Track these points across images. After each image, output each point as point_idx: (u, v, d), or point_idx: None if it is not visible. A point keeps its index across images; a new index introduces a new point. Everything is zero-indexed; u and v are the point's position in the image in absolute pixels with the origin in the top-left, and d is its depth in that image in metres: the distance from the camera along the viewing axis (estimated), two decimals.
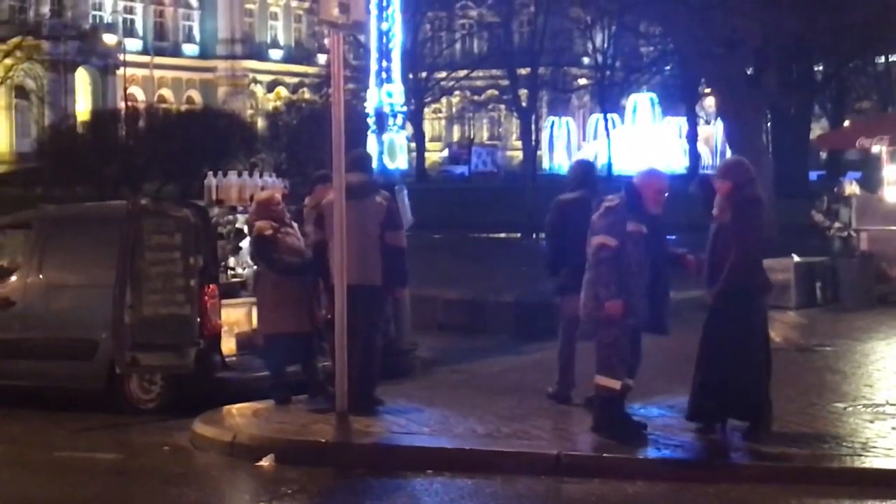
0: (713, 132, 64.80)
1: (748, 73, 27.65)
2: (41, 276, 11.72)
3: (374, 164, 12.08)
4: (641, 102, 68.85)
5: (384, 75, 12.26)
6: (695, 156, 60.98)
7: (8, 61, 60.41)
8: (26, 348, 11.63)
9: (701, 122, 65.86)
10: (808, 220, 19.63)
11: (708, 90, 52.17)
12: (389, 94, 12.29)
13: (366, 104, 12.65)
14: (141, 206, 11.13)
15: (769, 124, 39.35)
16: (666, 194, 8.93)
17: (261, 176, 12.70)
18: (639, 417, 9.21)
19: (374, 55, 12.38)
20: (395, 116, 12.45)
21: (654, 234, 8.90)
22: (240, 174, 12.52)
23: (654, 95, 68.85)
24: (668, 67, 61.66)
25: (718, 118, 49.88)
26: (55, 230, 11.94)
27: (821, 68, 46.21)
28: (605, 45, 65.88)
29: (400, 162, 12.67)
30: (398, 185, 12.03)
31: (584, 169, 11.00)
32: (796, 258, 17.49)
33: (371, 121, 12.38)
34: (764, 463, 8.35)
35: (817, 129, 53.85)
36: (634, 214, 8.82)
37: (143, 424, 10.68)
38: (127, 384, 11.13)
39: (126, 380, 11.09)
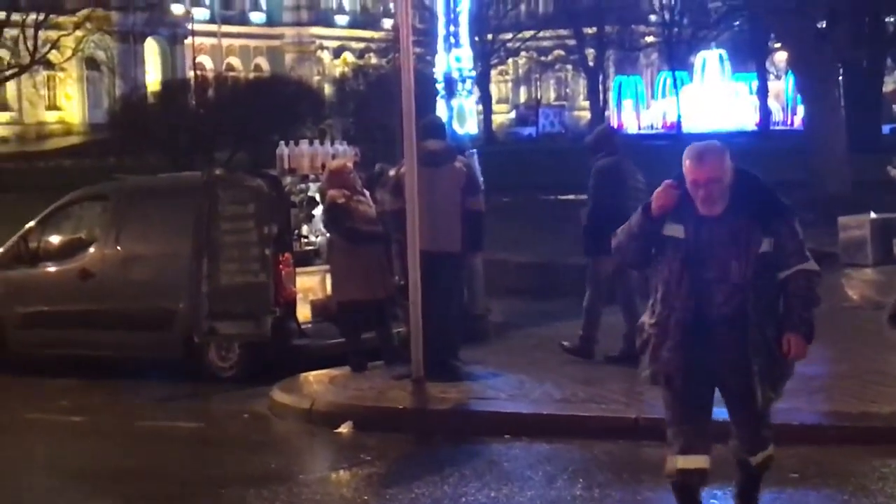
0: (783, 88, 64.00)
1: (819, 27, 27.24)
2: (119, 248, 11.87)
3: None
4: (710, 59, 68.01)
5: (452, 40, 12.20)
6: (765, 112, 60.30)
7: (78, 33, 60.94)
8: (105, 319, 11.81)
9: (771, 77, 65.05)
10: (882, 176, 19.35)
11: (778, 45, 51.54)
12: (458, 59, 12.24)
13: (434, 69, 12.57)
14: (215, 177, 11.24)
15: (841, 78, 38.79)
16: (711, 186, 5.67)
17: (332, 144, 12.76)
18: None
19: (441, 20, 12.31)
20: (464, 81, 12.38)
21: (704, 244, 5.73)
22: (311, 142, 12.59)
23: (723, 52, 68.02)
24: (736, 23, 60.90)
25: (789, 73, 49.26)
26: (131, 201, 12.09)
27: (892, 20, 45.42)
28: (673, 2, 65.19)
29: (470, 127, 12.61)
30: (468, 149, 12.01)
31: (607, 135, 11.30)
32: (872, 214, 17.27)
33: (440, 86, 12.31)
34: (844, 424, 8.29)
35: (890, 82, 53.02)
36: (679, 210, 5.77)
37: (222, 393, 10.81)
38: (205, 353, 11.27)
39: (204, 349, 11.23)
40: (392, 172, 10.63)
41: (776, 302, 5.80)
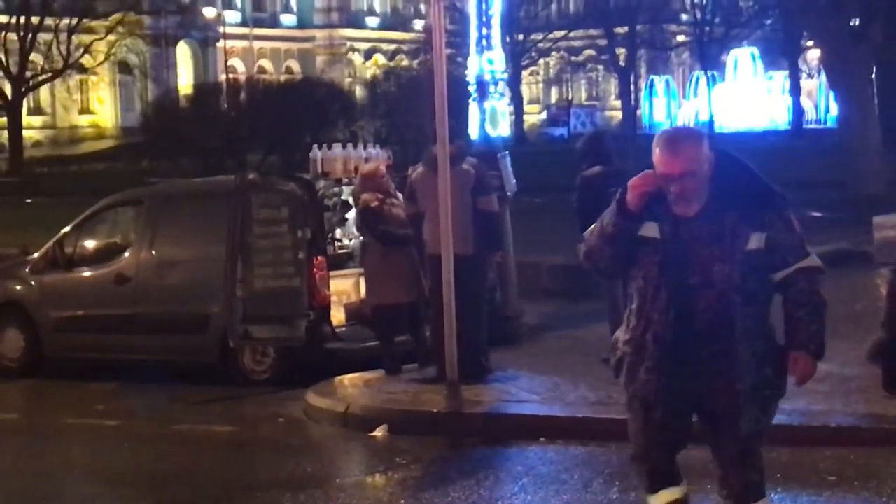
0: (816, 86, 63.74)
1: (853, 24, 27.11)
2: (153, 252, 11.93)
3: (476, 132, 12.08)
4: (742, 58, 67.83)
5: (484, 43, 12.18)
6: (798, 111, 60.07)
7: (111, 37, 61.41)
8: (140, 323, 11.87)
9: (803, 75, 64.81)
10: None
11: (810, 43, 51.33)
12: (490, 62, 12.21)
13: (466, 71, 12.56)
14: (249, 181, 11.27)
15: (874, 76, 38.54)
16: (687, 180, 4.80)
17: (365, 147, 12.79)
18: None
19: (473, 22, 12.29)
20: (496, 84, 12.35)
21: (684, 244, 4.87)
22: (344, 146, 12.62)
23: (755, 50, 67.81)
24: (769, 21, 60.73)
25: (821, 72, 49.02)
26: (166, 206, 12.14)
27: None
28: (704, 1, 65.02)
29: (502, 129, 12.58)
30: (500, 152, 12.00)
31: (596, 141, 11.09)
32: None
33: (472, 89, 12.29)
34: (881, 426, 8.23)
35: None
36: (652, 206, 4.91)
37: (257, 396, 10.85)
38: (240, 357, 11.30)
39: (239, 352, 11.26)
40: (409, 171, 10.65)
41: (768, 307, 4.94)
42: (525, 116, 71.05)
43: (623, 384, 5.06)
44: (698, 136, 4.87)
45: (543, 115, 79.84)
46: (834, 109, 40.33)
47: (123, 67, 69.56)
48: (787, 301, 4.91)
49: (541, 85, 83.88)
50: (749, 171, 4.90)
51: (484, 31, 12.22)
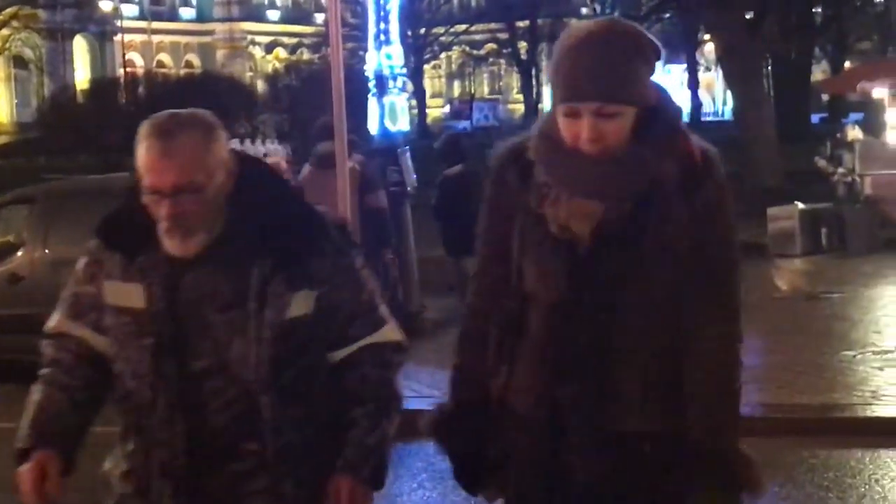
0: (714, 79, 64.71)
1: (748, 18, 27.56)
2: (47, 251, 11.75)
3: (376, 128, 12.12)
4: None
5: (382, 38, 12.20)
6: (696, 103, 60.93)
7: (5, 31, 60.32)
8: (36, 323, 11.62)
9: (701, 69, 65.75)
10: (811, 166, 19.65)
11: (707, 36, 52.05)
12: (389, 57, 12.24)
13: (365, 67, 12.59)
14: None
15: (769, 68, 39.21)
16: (184, 200, 3.01)
17: (263, 142, 12.74)
18: None
19: (371, 17, 12.32)
20: (395, 79, 12.39)
21: (188, 309, 3.05)
22: (242, 141, 12.55)
23: None
24: (667, 15, 61.49)
25: (719, 65, 49.74)
26: (59, 204, 11.97)
27: (820, 10, 46.05)
28: None
29: (402, 124, 12.64)
30: (401, 147, 12.04)
31: (454, 142, 11.38)
32: (800, 205, 17.51)
33: (371, 84, 12.32)
34: (775, 415, 8.39)
35: (818, 71, 53.71)
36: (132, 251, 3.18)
37: None
38: None
39: None
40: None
41: (333, 404, 3.15)
42: (428, 110, 71.10)
43: None
44: (209, 127, 2.99)
45: (447, 109, 79.96)
46: (731, 102, 40.99)
47: (19, 62, 68.32)
48: (344, 394, 3.15)
49: (443, 79, 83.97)
50: (289, 193, 3.25)
51: (382, 25, 12.25)
